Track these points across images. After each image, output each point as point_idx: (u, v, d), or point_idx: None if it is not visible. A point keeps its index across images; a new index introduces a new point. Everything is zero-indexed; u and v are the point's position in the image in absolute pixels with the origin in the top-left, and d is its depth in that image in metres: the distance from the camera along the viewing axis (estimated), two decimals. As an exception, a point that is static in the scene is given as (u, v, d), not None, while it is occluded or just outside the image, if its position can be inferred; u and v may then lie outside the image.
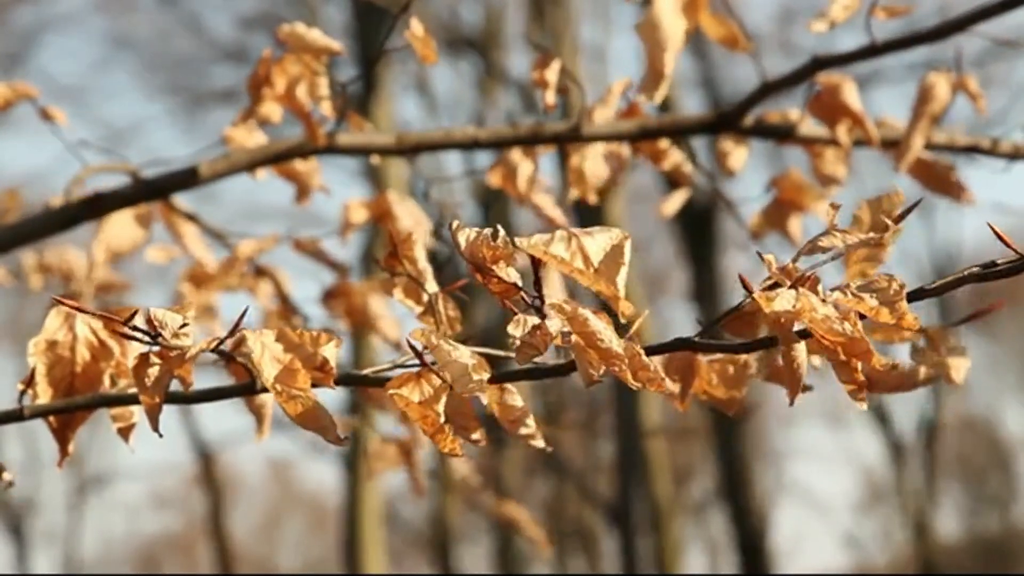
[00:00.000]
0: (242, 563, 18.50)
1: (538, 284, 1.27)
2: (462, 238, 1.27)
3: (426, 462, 3.44)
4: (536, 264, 1.27)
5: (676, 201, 2.76)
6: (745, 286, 1.28)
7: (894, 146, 2.43)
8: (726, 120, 2.44)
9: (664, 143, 2.51)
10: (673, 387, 1.61)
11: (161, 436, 1.35)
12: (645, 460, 10.59)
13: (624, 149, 2.51)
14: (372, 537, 9.37)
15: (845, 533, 20.54)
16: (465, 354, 1.27)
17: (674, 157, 2.53)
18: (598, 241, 1.27)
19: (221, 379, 2.11)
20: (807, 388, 1.37)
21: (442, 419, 1.30)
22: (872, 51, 2.27)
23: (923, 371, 1.69)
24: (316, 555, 22.59)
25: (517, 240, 1.25)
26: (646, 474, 10.64)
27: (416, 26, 2.13)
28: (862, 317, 1.25)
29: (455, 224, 1.28)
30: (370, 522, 9.37)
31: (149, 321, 1.30)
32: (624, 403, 10.36)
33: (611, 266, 1.27)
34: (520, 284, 1.28)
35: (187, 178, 2.38)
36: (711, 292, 11.69)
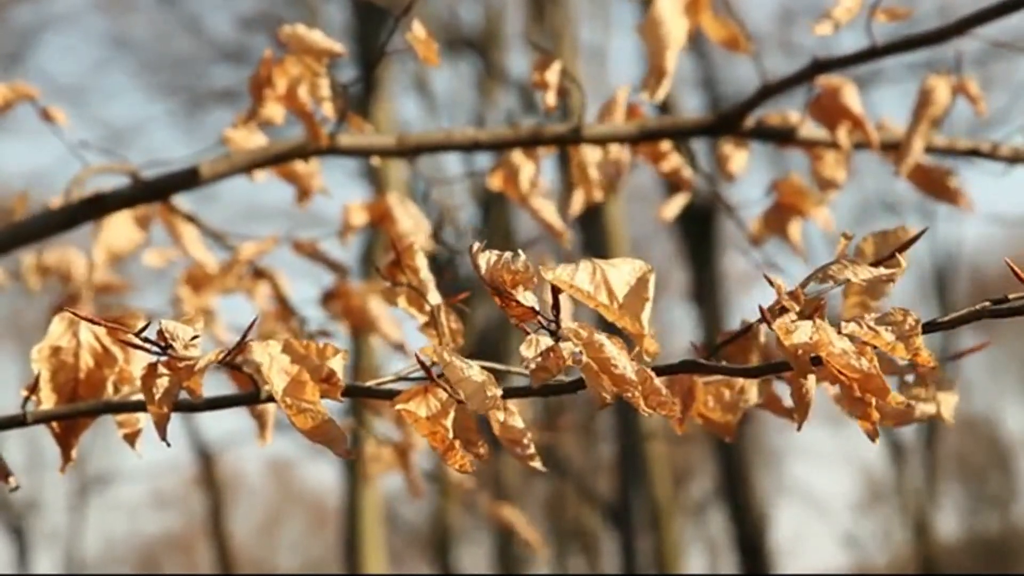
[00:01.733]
0: (242, 563, 18.50)
1: (556, 309, 1.27)
2: (482, 261, 1.27)
3: (423, 464, 3.44)
4: (556, 290, 1.26)
5: (676, 205, 2.76)
6: (765, 318, 1.27)
7: (894, 149, 2.43)
8: (726, 122, 2.44)
9: (664, 145, 2.51)
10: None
11: (169, 445, 1.35)
12: (645, 460, 10.59)
13: (624, 153, 2.51)
14: (372, 537, 9.37)
15: (845, 533, 20.55)
16: (476, 370, 1.27)
17: (674, 160, 2.53)
18: (622, 273, 1.27)
19: (221, 381, 2.12)
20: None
21: (451, 435, 1.30)
22: (872, 53, 2.27)
23: (921, 409, 1.69)
24: (316, 555, 22.59)
25: (541, 270, 1.25)
26: (646, 474, 10.64)
27: (418, 28, 2.12)
28: (875, 349, 1.24)
29: (475, 246, 1.28)
30: (370, 522, 9.37)
31: (160, 333, 1.30)
32: (624, 404, 10.35)
33: (635, 301, 1.27)
34: (538, 308, 1.28)
35: (187, 179, 2.38)
36: (711, 292, 11.69)
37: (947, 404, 1.69)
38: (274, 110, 2.29)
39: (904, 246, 1.36)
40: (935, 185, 2.47)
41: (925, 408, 1.68)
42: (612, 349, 1.24)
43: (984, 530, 20.12)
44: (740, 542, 11.27)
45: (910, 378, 1.69)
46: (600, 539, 15.54)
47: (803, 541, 30.10)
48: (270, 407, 1.85)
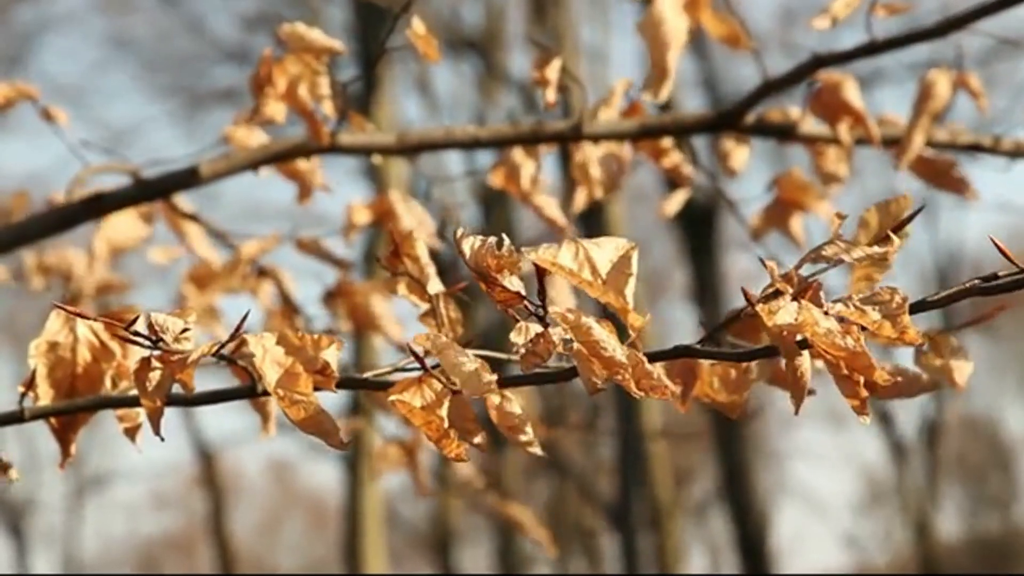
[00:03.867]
0: (242, 563, 18.49)
1: (542, 293, 1.26)
2: (467, 246, 1.27)
3: (428, 462, 3.45)
4: (540, 273, 1.26)
5: (677, 201, 2.76)
6: (747, 298, 1.27)
7: (895, 144, 2.42)
8: (727, 119, 2.44)
9: (666, 142, 2.51)
10: (675, 390, 1.61)
11: (163, 440, 1.35)
12: (646, 461, 10.60)
13: (625, 150, 2.51)
14: (372, 537, 9.37)
15: (845, 533, 20.55)
16: (471, 357, 1.26)
17: (675, 156, 2.53)
18: (605, 251, 1.27)
19: (223, 379, 2.11)
20: (810, 392, 1.37)
21: (446, 424, 1.30)
22: (872, 49, 2.27)
23: (925, 377, 1.69)
24: (316, 555, 22.59)
25: (523, 250, 1.25)
26: (647, 475, 10.64)
27: (418, 24, 2.12)
28: (864, 329, 1.24)
29: (459, 231, 1.28)
30: (370, 522, 9.37)
31: (150, 326, 1.30)
32: (625, 404, 10.36)
33: (619, 277, 1.26)
34: (524, 292, 1.27)
35: (187, 178, 2.38)
36: (711, 292, 11.69)
37: (960, 372, 1.69)
38: (275, 109, 2.28)
39: (901, 224, 1.36)
40: (939, 176, 2.45)
41: (934, 376, 1.68)
42: (600, 332, 1.24)
43: (984, 530, 20.12)
44: (741, 542, 11.28)
45: (925, 347, 1.70)
46: (601, 540, 15.54)
47: (804, 541, 30.12)
48: (272, 401, 1.85)
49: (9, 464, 1.48)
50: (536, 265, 1.26)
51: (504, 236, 1.27)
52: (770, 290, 1.28)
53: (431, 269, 1.62)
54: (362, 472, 9.14)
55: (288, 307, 2.85)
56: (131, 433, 1.55)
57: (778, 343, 1.26)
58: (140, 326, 1.30)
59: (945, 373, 1.70)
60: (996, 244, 1.26)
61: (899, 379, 1.66)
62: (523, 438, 1.33)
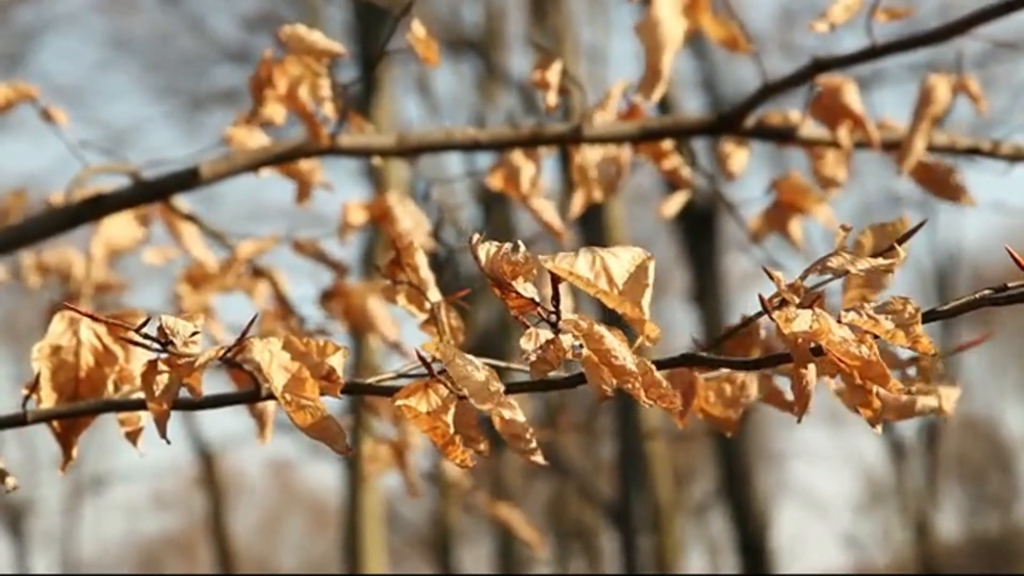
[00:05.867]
0: (242, 563, 18.49)
1: (556, 300, 1.26)
2: (482, 253, 1.27)
3: (422, 463, 3.44)
4: (555, 280, 1.26)
5: (676, 202, 2.76)
6: (764, 305, 1.27)
7: (895, 148, 2.43)
8: (727, 122, 2.44)
9: (666, 144, 2.52)
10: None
11: (169, 443, 1.35)
12: (646, 461, 10.60)
13: (625, 152, 2.51)
14: (372, 537, 9.37)
15: (845, 533, 20.55)
16: (479, 367, 1.27)
17: (675, 158, 2.53)
18: (622, 261, 1.26)
19: (221, 381, 2.12)
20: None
21: (452, 430, 1.30)
22: (873, 53, 2.27)
23: (922, 402, 1.69)
24: (316, 555, 22.59)
25: (541, 259, 1.25)
26: (647, 475, 10.64)
27: (418, 28, 2.13)
28: (876, 337, 1.25)
29: (475, 238, 1.28)
30: (370, 522, 9.37)
31: (160, 329, 1.30)
32: (624, 404, 10.36)
33: (636, 287, 1.26)
34: (537, 300, 1.27)
35: (188, 179, 2.38)
36: (711, 293, 11.69)
37: (948, 398, 1.70)
38: (275, 110, 2.29)
39: (904, 237, 1.36)
40: (938, 182, 2.46)
41: (926, 402, 1.68)
42: (612, 340, 1.24)
43: (984, 530, 20.12)
44: (741, 542, 11.28)
45: (912, 371, 1.70)
46: (601, 539, 15.53)
47: (804, 541, 30.12)
48: (270, 406, 1.85)
49: (6, 472, 1.48)
50: (551, 274, 1.26)
51: (520, 243, 1.27)
52: (777, 299, 1.29)
53: (430, 278, 1.62)
54: (362, 472, 9.13)
55: (283, 307, 2.85)
56: (132, 437, 1.55)
57: (792, 350, 1.26)
58: (149, 329, 1.31)
59: (934, 398, 1.71)
60: (1012, 254, 1.26)
61: (903, 401, 1.66)
62: (525, 446, 1.33)
